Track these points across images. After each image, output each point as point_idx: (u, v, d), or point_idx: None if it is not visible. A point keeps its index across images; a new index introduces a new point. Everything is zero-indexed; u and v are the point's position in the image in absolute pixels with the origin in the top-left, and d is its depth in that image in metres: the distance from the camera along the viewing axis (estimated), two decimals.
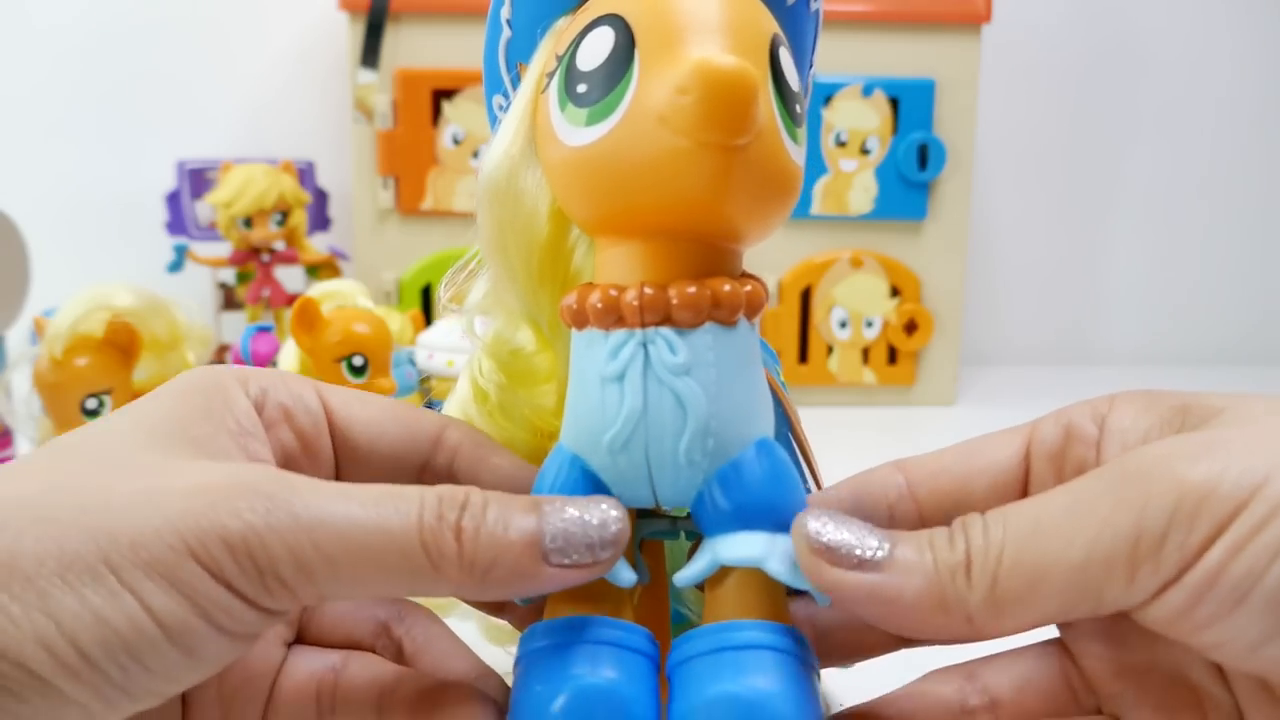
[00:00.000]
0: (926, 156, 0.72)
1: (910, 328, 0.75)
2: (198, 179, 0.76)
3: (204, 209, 0.76)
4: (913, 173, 0.72)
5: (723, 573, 0.21)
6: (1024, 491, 0.22)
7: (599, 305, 0.21)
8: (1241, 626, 0.16)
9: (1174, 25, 0.91)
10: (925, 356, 0.77)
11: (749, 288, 0.21)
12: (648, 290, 0.20)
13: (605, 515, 0.19)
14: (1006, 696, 0.22)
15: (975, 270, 0.88)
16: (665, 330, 0.20)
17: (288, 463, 0.22)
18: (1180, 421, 0.19)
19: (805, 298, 0.75)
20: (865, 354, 0.76)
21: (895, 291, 0.75)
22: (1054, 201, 0.94)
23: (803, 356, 0.75)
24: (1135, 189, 0.94)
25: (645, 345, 0.20)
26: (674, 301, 0.20)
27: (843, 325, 0.75)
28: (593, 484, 0.21)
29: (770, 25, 0.21)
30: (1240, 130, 0.93)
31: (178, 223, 0.77)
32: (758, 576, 0.21)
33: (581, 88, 0.20)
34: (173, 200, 0.77)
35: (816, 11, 0.24)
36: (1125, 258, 0.95)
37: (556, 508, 0.19)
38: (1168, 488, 0.17)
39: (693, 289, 0.20)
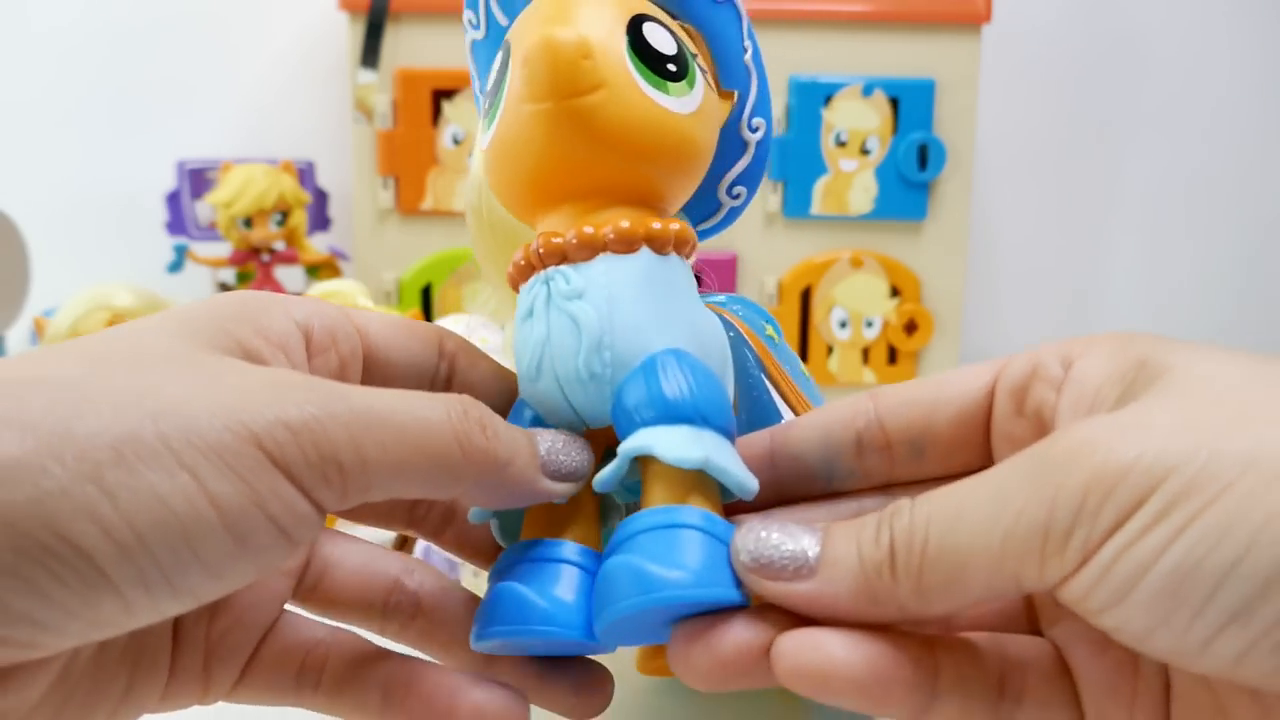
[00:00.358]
0: (926, 156, 0.72)
1: (910, 328, 0.75)
2: (198, 179, 0.76)
3: (204, 209, 0.76)
4: (913, 173, 0.72)
5: (645, 470, 0.22)
6: (986, 425, 0.22)
7: (518, 262, 0.24)
8: (1129, 616, 0.17)
9: (1174, 25, 0.91)
10: (925, 356, 0.77)
11: (656, 225, 0.23)
12: (547, 239, 0.24)
13: (581, 450, 0.23)
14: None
15: (975, 270, 0.88)
16: (562, 267, 0.24)
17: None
18: (1133, 377, 0.19)
19: (805, 298, 0.75)
20: (865, 354, 0.76)
21: (895, 291, 0.75)
22: (1054, 201, 0.94)
23: (803, 356, 0.75)
24: (1135, 189, 0.94)
25: (547, 282, 0.24)
26: (571, 242, 0.23)
27: (843, 325, 0.75)
28: (536, 423, 0.24)
29: (637, 6, 0.24)
30: (1240, 130, 0.94)
31: (178, 223, 0.77)
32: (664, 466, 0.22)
33: (487, 104, 0.25)
34: (173, 200, 0.77)
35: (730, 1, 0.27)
36: (1125, 258, 0.95)
37: (540, 435, 0.22)
38: (1079, 479, 0.17)
39: (588, 229, 0.23)
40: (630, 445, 0.22)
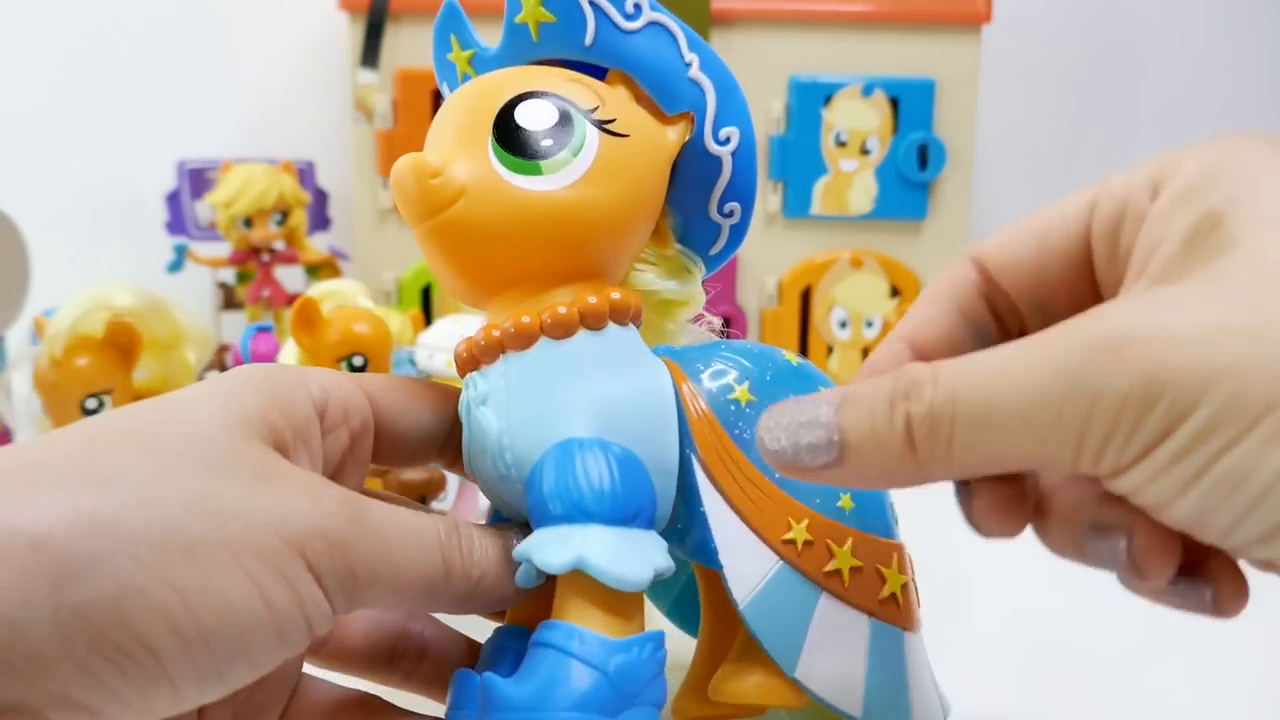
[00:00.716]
0: (926, 156, 0.72)
1: None
2: (198, 179, 0.76)
3: (204, 209, 0.76)
4: (913, 173, 0.72)
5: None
6: (1092, 276, 0.22)
7: (460, 355, 0.25)
8: (1159, 508, 0.17)
9: (1173, 25, 0.91)
10: None
11: (554, 311, 0.24)
12: (467, 344, 0.25)
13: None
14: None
15: None
16: (475, 373, 0.25)
17: (340, 460, 0.24)
18: (1201, 239, 0.18)
19: (805, 298, 0.75)
20: (865, 354, 0.76)
21: (895, 291, 0.75)
22: (1054, 201, 0.94)
23: (803, 356, 0.75)
24: None
25: (467, 387, 0.25)
26: (479, 344, 0.24)
27: (843, 325, 0.75)
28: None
29: (524, 84, 0.24)
30: (1240, 128, 0.93)
31: (178, 223, 0.77)
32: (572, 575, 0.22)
33: None
34: (173, 200, 0.77)
35: (646, 27, 0.26)
36: None
37: (510, 530, 0.24)
38: (1115, 393, 0.16)
39: (480, 335, 0.24)
40: (517, 550, 0.23)
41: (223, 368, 0.72)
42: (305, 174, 0.76)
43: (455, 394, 0.26)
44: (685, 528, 0.25)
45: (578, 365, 0.24)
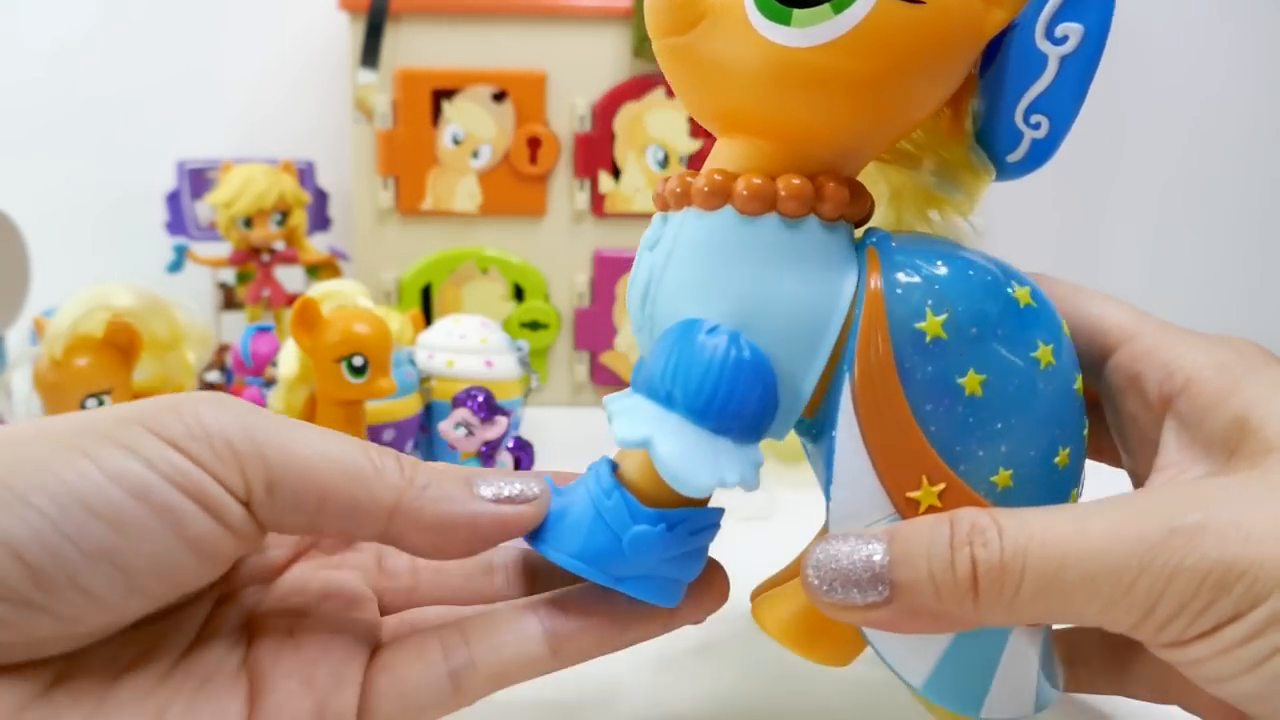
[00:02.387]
0: None
1: None
2: (198, 179, 0.76)
3: (204, 209, 0.76)
4: None
5: None
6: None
7: (659, 193, 0.23)
8: (1243, 690, 0.18)
9: (1173, 25, 0.91)
10: None
11: (749, 180, 0.21)
12: (658, 187, 0.23)
13: (528, 480, 0.22)
14: None
15: None
16: (660, 213, 0.23)
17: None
18: (1236, 444, 0.20)
19: None
20: None
21: None
22: (1053, 201, 0.94)
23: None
24: (1135, 188, 0.94)
25: (652, 226, 0.23)
26: (669, 193, 0.22)
27: None
28: None
29: None
30: (1240, 129, 0.93)
31: (178, 223, 0.77)
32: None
33: None
34: (173, 200, 0.77)
35: None
36: (1124, 257, 0.95)
37: (481, 473, 0.22)
38: (1192, 574, 0.18)
39: (677, 180, 0.22)
40: (609, 407, 0.22)
41: (223, 368, 0.72)
42: (305, 174, 0.76)
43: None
44: (817, 435, 0.23)
45: (753, 250, 0.21)
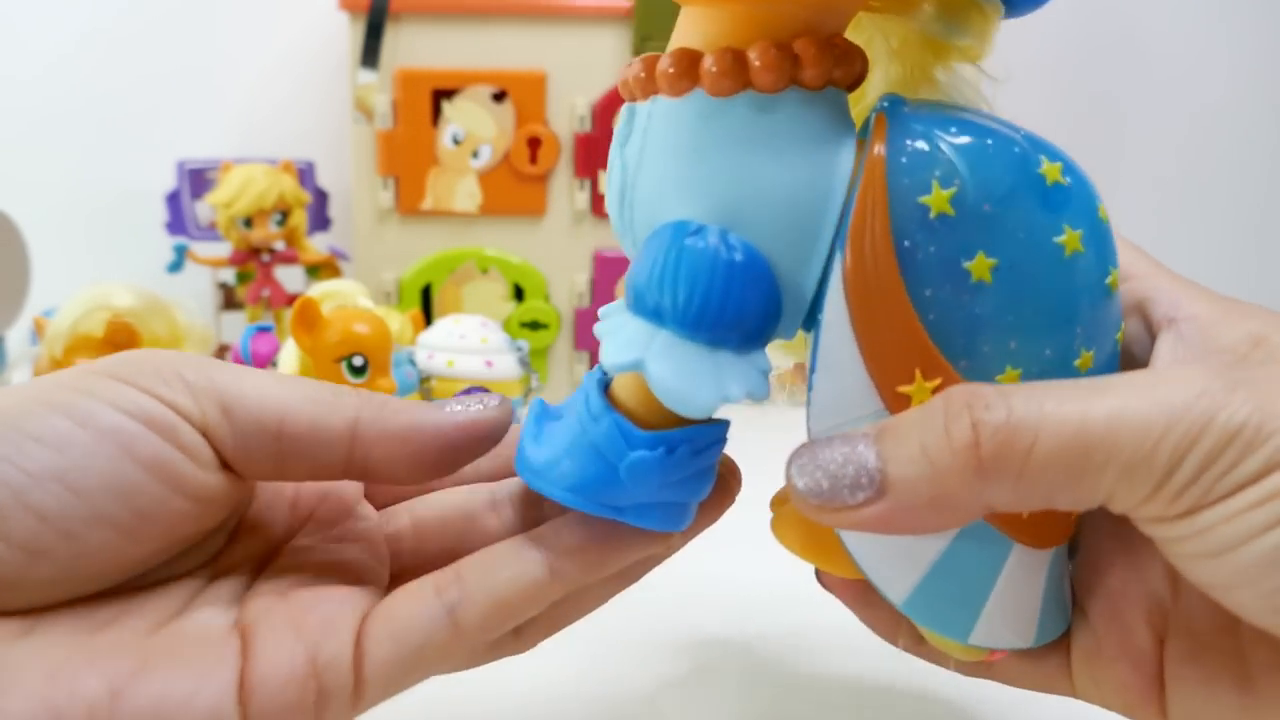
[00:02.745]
0: None
1: None
2: (198, 179, 0.76)
3: (204, 209, 0.76)
4: None
5: None
6: None
7: (625, 80, 0.21)
8: (1217, 569, 0.17)
9: (1173, 24, 0.91)
10: None
11: (718, 53, 0.18)
12: (628, 67, 0.20)
13: (489, 397, 0.22)
14: None
15: None
16: (627, 104, 0.20)
17: None
18: (1247, 352, 0.20)
19: None
20: None
21: None
22: None
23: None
24: (1134, 188, 0.94)
25: (619, 119, 0.21)
26: (633, 81, 0.20)
27: None
28: None
29: None
30: (1240, 128, 0.93)
31: (178, 223, 0.77)
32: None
33: None
34: (173, 200, 0.77)
35: None
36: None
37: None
38: (1224, 430, 0.17)
39: (640, 65, 0.19)
40: (596, 329, 0.20)
41: None
42: (305, 174, 0.76)
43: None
44: (807, 321, 0.20)
45: (731, 134, 0.19)
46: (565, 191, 0.72)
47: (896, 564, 0.20)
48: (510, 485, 0.25)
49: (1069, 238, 0.19)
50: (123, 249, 0.84)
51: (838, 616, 0.27)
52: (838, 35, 0.20)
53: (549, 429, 0.21)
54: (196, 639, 0.19)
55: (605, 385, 0.21)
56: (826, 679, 0.34)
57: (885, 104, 0.20)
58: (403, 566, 0.24)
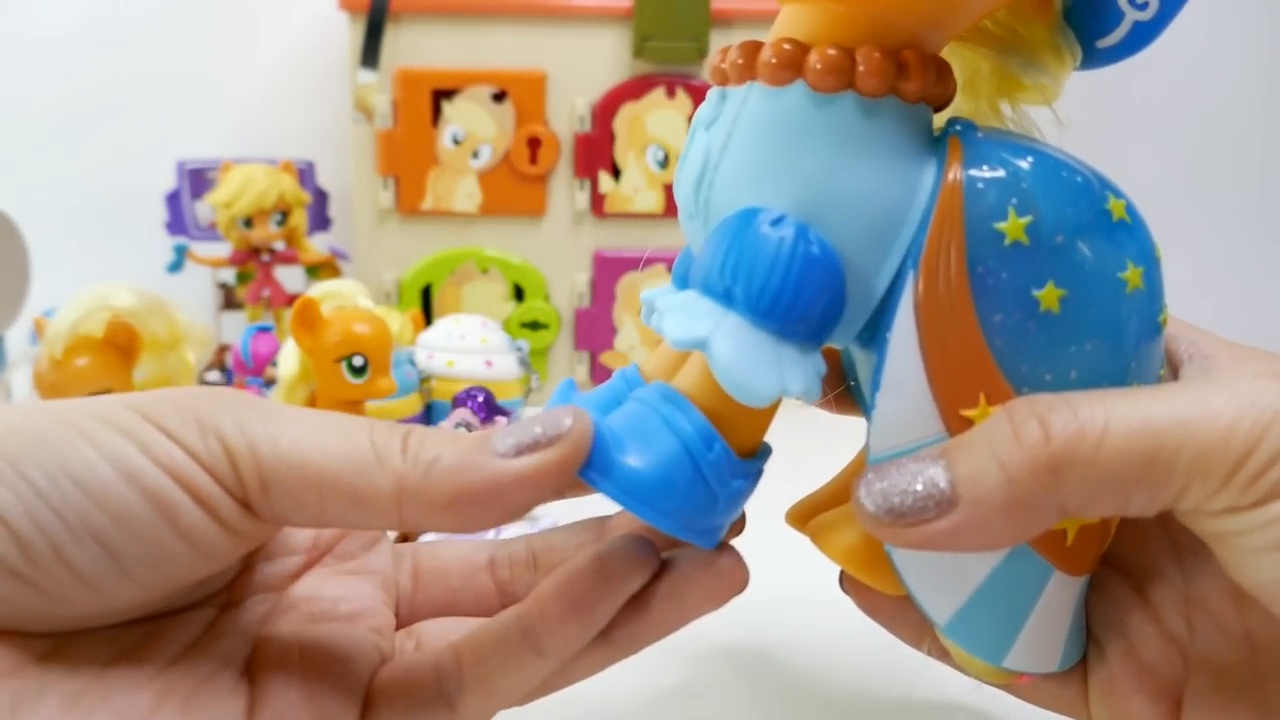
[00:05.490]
0: None
1: None
2: (198, 179, 0.76)
3: (204, 209, 0.76)
4: None
5: None
6: None
7: (717, 65, 0.21)
8: (1271, 564, 0.17)
9: (1174, 24, 0.91)
10: None
11: (822, 52, 0.19)
12: (713, 58, 0.21)
13: (557, 415, 0.19)
14: None
15: None
16: (717, 88, 0.21)
17: None
18: None
19: None
20: None
21: None
22: None
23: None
24: (1134, 188, 0.94)
25: (707, 101, 0.21)
26: (729, 65, 0.20)
27: None
28: None
29: None
30: (1240, 129, 0.93)
31: (178, 223, 0.77)
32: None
33: None
34: (173, 200, 0.77)
35: None
36: None
37: (502, 427, 0.19)
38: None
39: (738, 51, 0.20)
40: (656, 302, 0.20)
41: (223, 368, 0.72)
42: (305, 174, 0.76)
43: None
44: (869, 338, 0.21)
45: (826, 131, 0.19)
46: (565, 191, 0.72)
47: (944, 587, 0.20)
48: (512, 548, 0.25)
49: (1131, 273, 0.20)
50: (123, 249, 0.84)
51: (846, 622, 0.26)
52: (937, 53, 0.20)
53: (627, 433, 0.20)
54: (209, 684, 0.19)
55: (672, 392, 0.21)
56: (832, 684, 0.34)
57: (958, 128, 0.20)
58: (396, 612, 0.24)
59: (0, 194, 0.68)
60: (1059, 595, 0.21)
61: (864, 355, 0.21)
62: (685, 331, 0.19)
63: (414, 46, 0.70)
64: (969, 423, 0.19)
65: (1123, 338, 0.20)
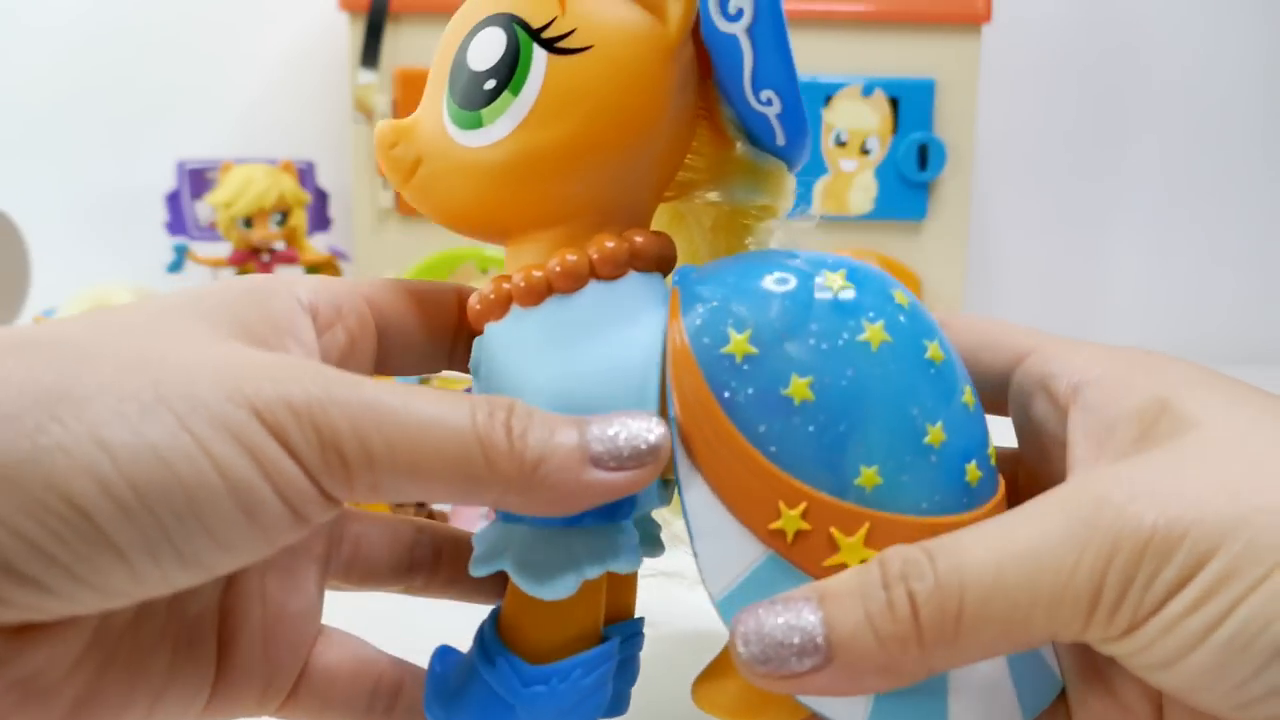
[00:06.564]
0: (926, 156, 0.72)
1: None
2: (198, 179, 0.76)
3: (204, 209, 0.76)
4: (913, 173, 0.72)
5: None
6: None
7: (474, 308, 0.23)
8: (1171, 677, 0.17)
9: (1174, 25, 0.91)
10: None
11: (521, 276, 0.21)
12: (476, 297, 0.22)
13: (648, 421, 0.19)
14: None
15: (975, 270, 0.88)
16: (478, 337, 0.22)
17: (339, 362, 0.22)
18: (1153, 419, 0.19)
19: None
20: None
21: None
22: (1054, 201, 0.94)
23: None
24: (1135, 189, 0.94)
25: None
26: (472, 314, 0.22)
27: None
28: None
29: (480, 11, 0.21)
30: (1241, 129, 0.93)
31: (178, 223, 0.77)
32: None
33: None
34: (173, 200, 0.77)
35: None
36: (1125, 258, 0.95)
37: (598, 419, 0.19)
38: (1129, 548, 0.17)
39: (490, 286, 0.22)
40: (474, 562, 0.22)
41: None
42: (305, 174, 0.76)
43: (462, 299, 0.24)
44: (671, 495, 0.22)
45: (543, 337, 0.21)
46: None
47: (847, 699, 0.20)
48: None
49: (871, 333, 0.20)
50: (123, 249, 0.84)
51: None
52: (640, 229, 0.22)
53: (453, 679, 0.22)
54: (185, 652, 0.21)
55: (496, 620, 0.23)
56: None
57: (676, 278, 0.22)
58: (238, 656, 0.23)
59: (0, 194, 0.68)
60: (974, 670, 0.21)
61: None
62: (481, 567, 0.21)
63: (414, 46, 0.70)
64: (781, 533, 0.20)
65: (891, 392, 0.20)
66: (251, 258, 0.73)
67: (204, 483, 0.16)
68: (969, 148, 0.73)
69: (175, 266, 0.76)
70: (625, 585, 0.25)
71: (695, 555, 0.20)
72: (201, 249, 0.76)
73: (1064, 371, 0.22)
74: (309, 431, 0.17)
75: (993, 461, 0.22)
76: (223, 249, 0.74)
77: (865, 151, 0.73)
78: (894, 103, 0.72)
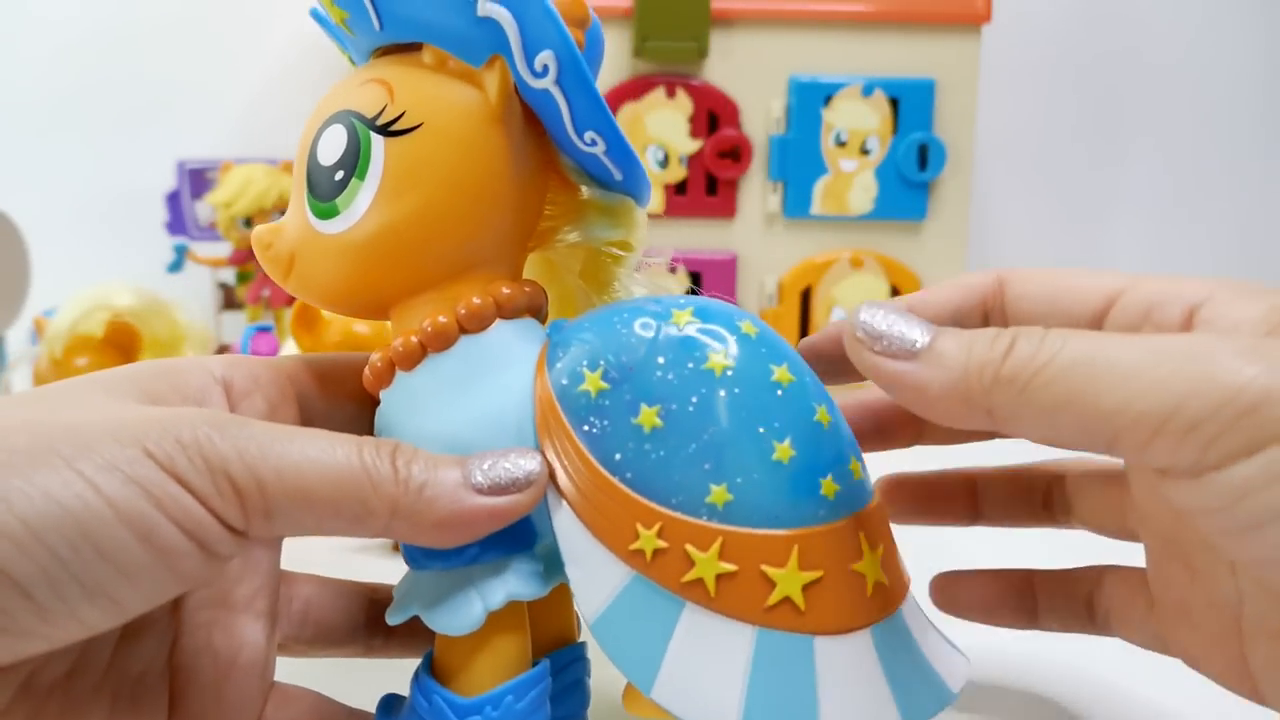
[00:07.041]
0: (926, 156, 0.72)
1: None
2: (198, 179, 0.76)
3: (204, 209, 0.76)
4: (912, 173, 0.72)
5: None
6: None
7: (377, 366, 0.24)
8: (1239, 537, 0.17)
9: (1175, 25, 0.91)
10: None
11: (389, 347, 0.23)
12: (369, 367, 0.24)
13: (525, 455, 0.21)
14: None
15: (975, 270, 0.88)
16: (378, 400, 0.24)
17: None
18: (1276, 324, 0.19)
19: (805, 298, 0.75)
20: None
21: (895, 291, 0.75)
22: (1054, 201, 0.94)
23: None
24: (1135, 189, 0.94)
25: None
26: (367, 383, 0.24)
27: None
28: None
29: (324, 111, 0.23)
30: (1241, 129, 0.94)
31: (178, 223, 0.77)
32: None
33: None
34: (173, 200, 0.77)
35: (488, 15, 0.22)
36: (1125, 258, 0.95)
37: (478, 456, 0.21)
38: (1226, 382, 0.17)
39: (378, 357, 0.23)
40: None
41: None
42: None
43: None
44: (549, 530, 0.23)
45: (426, 394, 0.23)
46: None
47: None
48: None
49: (713, 361, 0.22)
50: (123, 249, 0.84)
51: None
52: (507, 280, 0.24)
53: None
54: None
55: (430, 660, 0.24)
56: None
57: (550, 330, 0.24)
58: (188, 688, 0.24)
59: (0, 194, 0.68)
60: (838, 658, 0.21)
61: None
62: (396, 613, 0.22)
63: None
64: (641, 554, 0.21)
65: (735, 415, 0.22)
66: (251, 258, 0.73)
67: (95, 514, 0.17)
68: (969, 148, 0.73)
69: (175, 266, 0.76)
70: (560, 611, 0.26)
71: (570, 581, 0.22)
72: (201, 249, 0.76)
73: (1172, 299, 0.22)
74: (197, 460, 0.18)
75: (856, 476, 0.23)
76: (223, 249, 0.74)
77: (865, 151, 0.73)
78: (894, 103, 0.72)
